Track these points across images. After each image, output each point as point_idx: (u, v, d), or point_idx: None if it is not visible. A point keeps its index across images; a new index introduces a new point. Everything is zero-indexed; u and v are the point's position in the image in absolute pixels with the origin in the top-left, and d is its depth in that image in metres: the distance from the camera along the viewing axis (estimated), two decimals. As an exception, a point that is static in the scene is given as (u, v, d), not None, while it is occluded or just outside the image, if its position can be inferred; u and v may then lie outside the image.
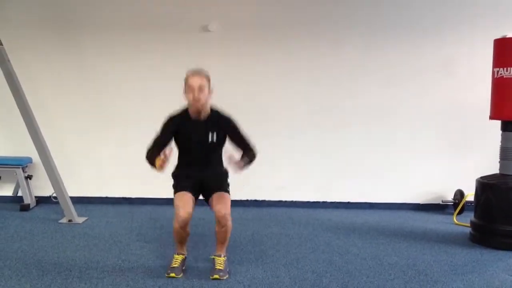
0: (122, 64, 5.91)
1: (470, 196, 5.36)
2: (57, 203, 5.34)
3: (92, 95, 5.94)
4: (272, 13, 5.90)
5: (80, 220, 5.22)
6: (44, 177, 5.41)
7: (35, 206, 5.82)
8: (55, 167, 5.30)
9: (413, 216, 5.74)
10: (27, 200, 5.70)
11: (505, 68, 4.53)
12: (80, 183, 5.91)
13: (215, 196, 3.78)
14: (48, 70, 5.91)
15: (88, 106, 5.94)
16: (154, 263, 4.00)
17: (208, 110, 3.80)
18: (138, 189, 6.02)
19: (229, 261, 4.01)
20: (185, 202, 3.71)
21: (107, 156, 5.99)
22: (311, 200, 6.05)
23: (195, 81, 3.66)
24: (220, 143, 3.85)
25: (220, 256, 3.81)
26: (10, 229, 4.90)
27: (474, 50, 5.79)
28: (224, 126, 3.82)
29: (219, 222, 3.69)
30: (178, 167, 3.96)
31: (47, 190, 5.67)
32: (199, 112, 3.74)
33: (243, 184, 5.89)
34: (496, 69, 4.63)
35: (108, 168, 5.99)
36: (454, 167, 5.92)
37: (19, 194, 5.77)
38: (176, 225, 3.69)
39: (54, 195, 5.42)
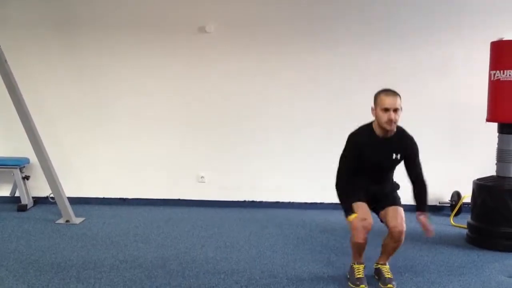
0: (120, 64, 5.92)
1: (467, 197, 5.37)
2: (55, 203, 5.34)
3: (90, 95, 5.94)
4: (269, 14, 5.91)
5: (78, 220, 5.22)
6: (41, 178, 5.42)
7: (32, 206, 5.82)
8: (53, 167, 5.30)
9: (410, 217, 5.69)
10: (25, 201, 5.69)
11: (501, 71, 4.54)
12: (77, 183, 5.91)
13: (391, 210, 3.66)
14: (46, 70, 5.91)
15: (85, 106, 5.94)
16: (152, 263, 4.00)
17: (395, 129, 3.63)
18: (135, 190, 6.03)
19: (223, 262, 4.07)
20: (365, 213, 3.59)
21: (105, 156, 5.99)
22: (308, 201, 6.05)
23: (392, 102, 3.50)
24: (400, 161, 3.71)
25: (385, 264, 3.77)
26: (7, 229, 4.90)
27: (471, 51, 5.79)
28: (408, 148, 3.69)
29: (394, 237, 3.60)
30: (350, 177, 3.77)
31: (44, 191, 5.67)
32: (387, 132, 3.60)
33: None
34: (493, 72, 4.64)
35: (106, 169, 5.99)
36: (451, 168, 5.93)
37: (17, 194, 5.76)
38: (356, 239, 3.60)
39: (52, 195, 5.41)
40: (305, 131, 5.96)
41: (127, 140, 5.98)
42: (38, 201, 5.90)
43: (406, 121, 5.83)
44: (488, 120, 4.75)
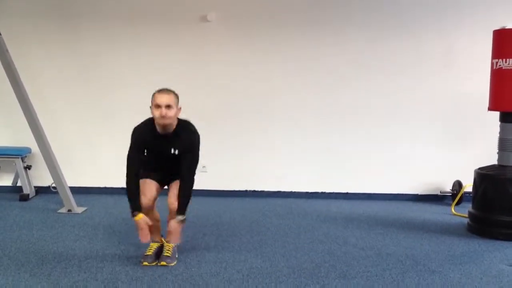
0: (121, 54, 5.91)
1: (468, 187, 5.38)
2: (57, 193, 5.35)
3: (91, 85, 5.93)
4: (271, 3, 5.88)
5: (79, 210, 5.24)
6: (43, 167, 5.42)
7: (34, 196, 5.83)
8: (54, 157, 5.30)
9: (411, 206, 5.76)
10: (27, 190, 5.71)
11: (504, 59, 4.52)
12: (79, 173, 5.92)
13: (172, 185, 3.86)
14: (47, 60, 5.90)
15: (87, 96, 5.94)
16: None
17: (175, 125, 3.73)
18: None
19: (225, 251, 4.08)
20: (147, 189, 3.78)
21: (106, 146, 5.99)
22: (310, 190, 6.06)
23: (163, 99, 3.62)
24: (183, 155, 3.79)
25: (169, 242, 3.84)
26: (9, 219, 4.91)
27: (473, 40, 5.78)
28: (185, 143, 3.74)
29: (170, 211, 3.78)
30: (144, 167, 3.90)
31: (46, 180, 5.69)
32: (164, 127, 3.70)
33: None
34: (495, 60, 4.62)
35: (107, 159, 5.99)
36: (453, 158, 5.94)
37: (18, 184, 5.78)
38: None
39: (53, 185, 5.43)
40: (307, 121, 5.96)
41: (128, 130, 5.94)
42: (40, 190, 5.91)
43: (408, 110, 5.92)
44: (490, 109, 4.74)
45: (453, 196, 5.80)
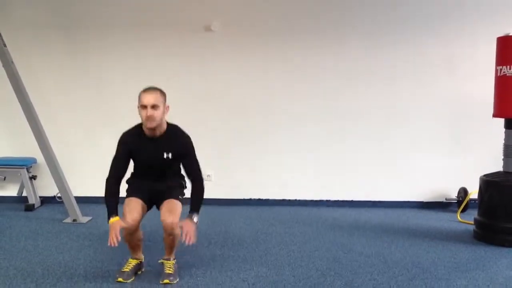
0: (125, 63, 5.93)
1: (473, 193, 5.36)
2: (62, 203, 5.36)
3: (96, 95, 5.95)
4: (274, 12, 5.90)
5: (85, 219, 5.24)
6: (48, 177, 5.44)
7: (39, 206, 5.84)
8: (59, 167, 5.32)
9: (416, 214, 5.74)
10: (32, 200, 5.72)
11: (508, 66, 4.52)
12: (84, 183, 5.91)
13: (164, 203, 3.64)
14: (52, 70, 5.92)
15: (92, 106, 5.96)
16: (159, 262, 4.00)
17: (164, 127, 3.63)
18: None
19: (230, 260, 4.07)
20: (133, 209, 3.62)
21: (111, 156, 5.97)
22: (315, 198, 6.05)
23: (148, 99, 3.47)
24: (176, 160, 3.68)
25: (169, 259, 3.69)
26: (15, 229, 4.92)
27: (477, 46, 5.78)
28: (180, 146, 3.64)
29: (165, 230, 3.56)
30: (132, 176, 3.86)
31: (51, 190, 5.70)
32: (153, 130, 3.57)
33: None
34: (499, 67, 4.62)
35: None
36: (458, 164, 5.92)
37: (24, 194, 5.79)
38: (124, 232, 3.57)
39: (59, 195, 5.44)
40: (310, 129, 5.96)
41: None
42: (45, 200, 5.92)
43: (412, 117, 5.91)
44: (494, 115, 4.74)
45: (459, 203, 5.78)
